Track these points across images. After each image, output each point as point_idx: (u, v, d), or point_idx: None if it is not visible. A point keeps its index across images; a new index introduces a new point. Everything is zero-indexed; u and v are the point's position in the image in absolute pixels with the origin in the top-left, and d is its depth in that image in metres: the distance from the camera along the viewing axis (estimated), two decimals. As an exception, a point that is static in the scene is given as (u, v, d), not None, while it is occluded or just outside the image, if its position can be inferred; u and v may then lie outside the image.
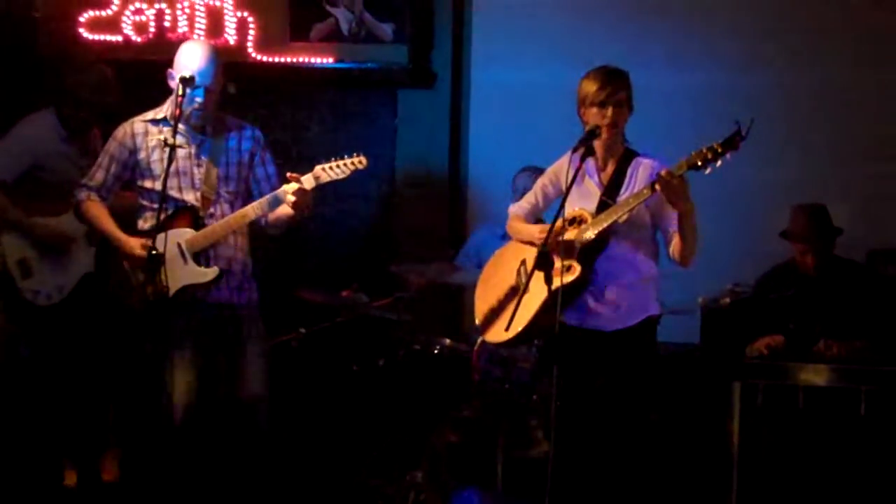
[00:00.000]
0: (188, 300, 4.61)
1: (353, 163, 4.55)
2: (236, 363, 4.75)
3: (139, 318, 4.54)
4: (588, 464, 4.49)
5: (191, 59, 4.57)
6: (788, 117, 5.96)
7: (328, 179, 4.57)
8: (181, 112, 4.48)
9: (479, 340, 4.65)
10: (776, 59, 6.05)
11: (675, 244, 4.32)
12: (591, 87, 4.33)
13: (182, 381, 4.62)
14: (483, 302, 4.67)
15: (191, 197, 4.65)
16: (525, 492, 4.79)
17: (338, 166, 4.55)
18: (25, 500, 5.28)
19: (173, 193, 4.61)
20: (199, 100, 4.57)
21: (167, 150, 4.43)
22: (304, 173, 4.56)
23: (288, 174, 4.57)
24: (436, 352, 5.36)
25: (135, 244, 4.56)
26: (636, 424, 4.45)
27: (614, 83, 4.33)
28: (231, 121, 4.83)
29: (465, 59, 6.39)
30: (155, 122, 4.68)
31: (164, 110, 4.69)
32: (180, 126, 4.56)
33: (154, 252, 4.27)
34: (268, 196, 4.63)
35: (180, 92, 4.43)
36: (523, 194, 4.90)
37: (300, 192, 4.53)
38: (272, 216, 4.68)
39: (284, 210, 4.63)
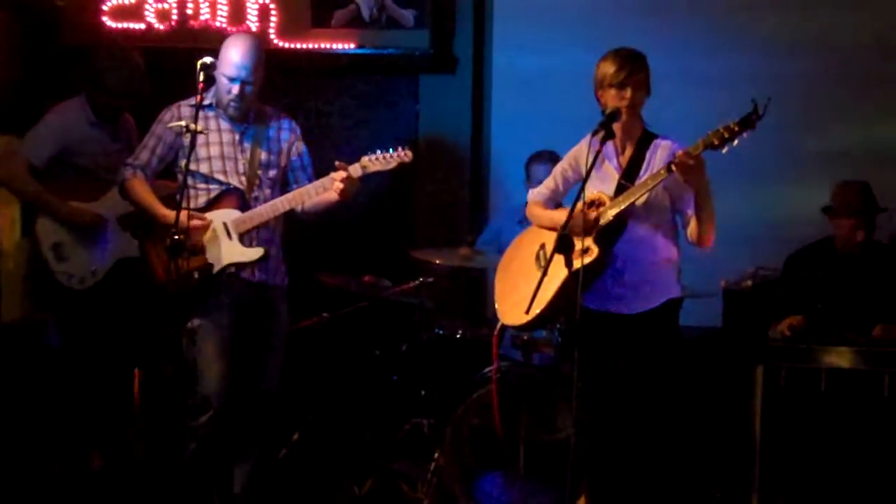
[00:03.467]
0: (231, 278, 4.76)
1: (398, 156, 4.75)
2: (261, 344, 4.88)
3: (173, 297, 4.58)
4: (611, 447, 4.50)
5: (229, 54, 4.71)
6: (808, 102, 5.92)
7: (374, 170, 4.75)
8: (202, 98, 4.54)
9: (500, 324, 4.66)
10: (798, 43, 6.01)
11: (692, 226, 4.32)
12: (609, 69, 4.33)
13: (217, 354, 4.72)
14: (503, 286, 4.69)
15: (236, 180, 4.78)
16: (547, 475, 4.80)
17: (384, 158, 4.73)
18: (52, 485, 5.34)
19: (219, 177, 4.77)
20: (235, 90, 4.70)
21: (188, 134, 4.50)
22: (339, 160, 4.70)
23: (336, 163, 4.70)
24: (458, 336, 5.37)
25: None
26: (658, 407, 4.45)
27: (633, 64, 4.33)
28: (271, 111, 4.97)
29: (486, 44, 6.37)
30: (203, 107, 4.72)
31: (210, 97, 4.78)
32: (221, 111, 4.77)
33: (176, 238, 4.32)
34: (315, 183, 4.77)
35: (201, 78, 4.48)
36: (538, 183, 4.90)
37: (348, 181, 4.67)
38: (311, 203, 4.81)
39: (326, 197, 4.77)
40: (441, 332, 5.38)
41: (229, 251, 4.74)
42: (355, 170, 4.72)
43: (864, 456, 4.72)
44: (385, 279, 5.55)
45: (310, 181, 4.88)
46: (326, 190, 4.73)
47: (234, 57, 4.69)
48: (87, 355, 5.33)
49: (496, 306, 4.66)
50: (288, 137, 4.93)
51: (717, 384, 5.24)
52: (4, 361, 5.54)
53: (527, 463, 4.88)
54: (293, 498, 5.24)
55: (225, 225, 4.73)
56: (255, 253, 4.76)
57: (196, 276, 4.65)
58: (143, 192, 4.81)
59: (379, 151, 4.74)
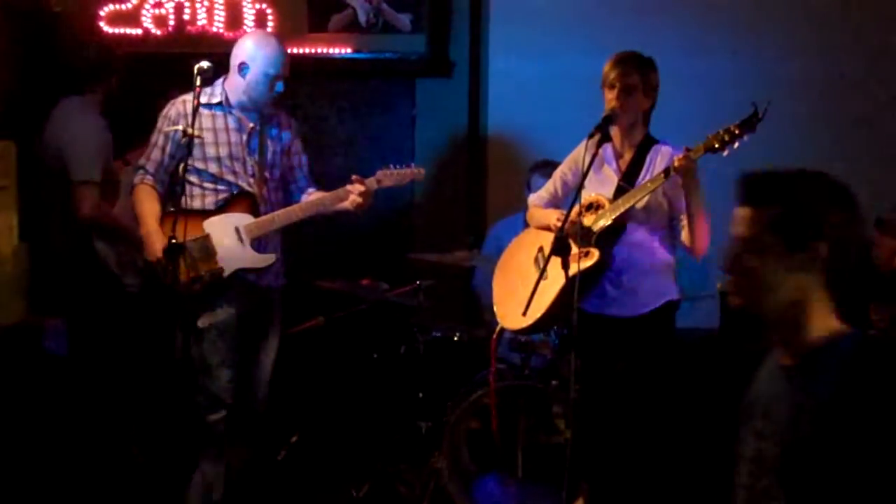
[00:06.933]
0: (238, 280, 4.74)
1: (412, 172, 4.88)
2: (259, 344, 4.89)
3: (184, 299, 4.57)
4: (608, 450, 4.51)
5: (270, 51, 4.69)
6: (810, 105, 5.94)
7: (388, 185, 4.84)
8: (199, 102, 4.51)
9: (498, 327, 4.67)
10: (793, 48, 6.04)
11: (685, 231, 4.33)
12: (605, 68, 4.38)
13: (226, 356, 4.72)
14: (501, 289, 4.70)
15: (245, 183, 4.76)
16: (545, 478, 4.81)
17: (399, 173, 4.84)
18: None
19: (229, 177, 4.74)
20: (279, 87, 4.72)
21: (185, 138, 4.50)
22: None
23: (353, 177, 4.76)
24: (455, 339, 5.37)
25: (157, 242, 4.55)
26: (656, 409, 4.46)
27: (625, 66, 4.35)
28: (270, 109, 4.93)
29: (483, 47, 6.38)
30: (209, 105, 4.72)
31: (218, 94, 4.74)
32: (237, 113, 4.76)
33: (174, 241, 4.32)
34: (331, 194, 4.80)
35: (198, 82, 4.46)
36: None
37: (365, 195, 4.73)
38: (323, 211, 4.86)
39: (338, 207, 4.82)
40: (439, 334, 5.38)
41: (241, 256, 4.72)
42: (371, 183, 4.77)
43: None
44: (383, 282, 5.56)
45: (307, 181, 4.93)
46: (342, 201, 4.76)
47: (277, 53, 4.69)
48: (96, 360, 5.30)
49: (495, 309, 4.67)
50: (289, 136, 4.92)
51: (714, 386, 5.24)
52: (3, 365, 5.53)
53: (524, 465, 4.88)
54: (291, 500, 5.25)
55: (237, 230, 4.71)
56: (268, 259, 4.77)
57: (206, 278, 4.65)
58: (145, 202, 4.70)
59: (392, 166, 4.83)
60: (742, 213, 2.51)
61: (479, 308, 5.85)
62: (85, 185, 5.15)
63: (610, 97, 4.37)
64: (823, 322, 2.46)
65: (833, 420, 2.32)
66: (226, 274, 4.69)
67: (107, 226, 5.23)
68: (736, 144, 4.09)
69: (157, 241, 4.55)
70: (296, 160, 4.95)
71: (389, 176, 4.82)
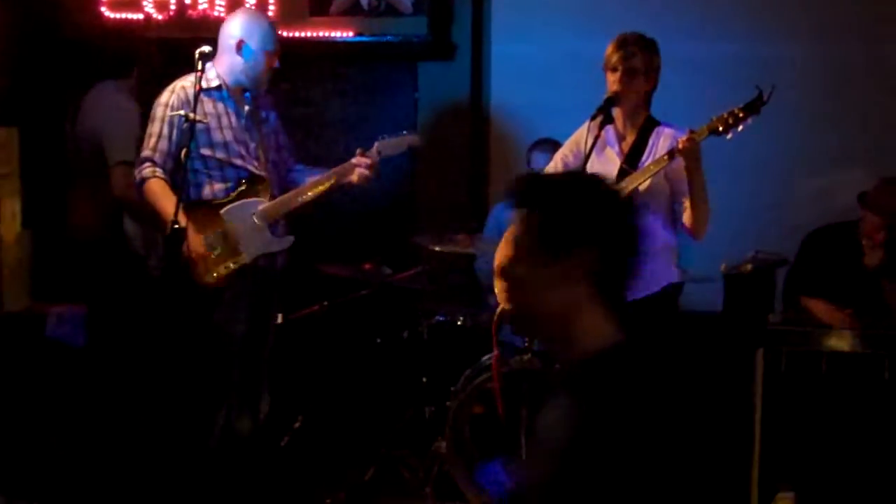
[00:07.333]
0: (253, 268, 4.74)
1: (408, 139, 4.94)
2: (261, 326, 4.90)
3: (210, 291, 4.62)
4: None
5: (266, 28, 4.74)
6: (810, 88, 5.91)
7: (387, 154, 4.87)
8: (201, 87, 4.51)
9: (499, 309, 4.65)
10: (799, 31, 6.00)
11: (687, 214, 4.32)
12: (608, 51, 4.37)
13: (237, 345, 4.74)
14: (501, 271, 4.69)
15: (252, 166, 4.75)
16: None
17: (395, 142, 4.89)
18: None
19: (237, 161, 4.71)
20: (277, 62, 4.76)
21: (187, 124, 4.49)
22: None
23: (358, 150, 4.81)
24: (459, 323, 5.37)
25: (192, 235, 4.53)
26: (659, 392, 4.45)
27: (628, 49, 4.34)
28: (266, 88, 4.93)
29: (485, 30, 6.34)
30: (208, 90, 4.68)
31: (215, 78, 4.71)
32: (235, 97, 4.74)
33: (176, 226, 4.31)
34: (336, 169, 4.83)
35: (199, 67, 4.45)
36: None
37: (372, 167, 4.79)
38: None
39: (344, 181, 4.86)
40: (442, 318, 5.37)
41: (262, 242, 4.72)
42: (373, 155, 4.80)
43: (864, 439, 4.72)
44: (386, 267, 5.55)
45: (293, 159, 4.97)
46: (348, 175, 4.78)
47: (270, 29, 4.72)
48: (115, 348, 5.31)
49: (495, 290, 4.66)
50: (275, 116, 4.93)
51: (718, 368, 5.24)
52: (9, 351, 5.54)
53: (528, 448, 4.88)
54: (295, 485, 5.26)
55: (254, 215, 4.70)
56: (288, 241, 4.79)
57: (232, 267, 4.64)
58: (165, 197, 4.57)
59: (387, 136, 4.86)
60: (513, 216, 2.38)
61: (481, 291, 5.84)
62: (122, 165, 5.15)
63: (612, 80, 4.36)
64: (594, 334, 2.34)
65: (586, 437, 2.20)
66: (248, 261, 4.68)
67: (138, 207, 5.21)
68: (740, 128, 4.08)
69: (192, 235, 4.53)
70: (282, 140, 4.95)
71: (387, 146, 4.86)
